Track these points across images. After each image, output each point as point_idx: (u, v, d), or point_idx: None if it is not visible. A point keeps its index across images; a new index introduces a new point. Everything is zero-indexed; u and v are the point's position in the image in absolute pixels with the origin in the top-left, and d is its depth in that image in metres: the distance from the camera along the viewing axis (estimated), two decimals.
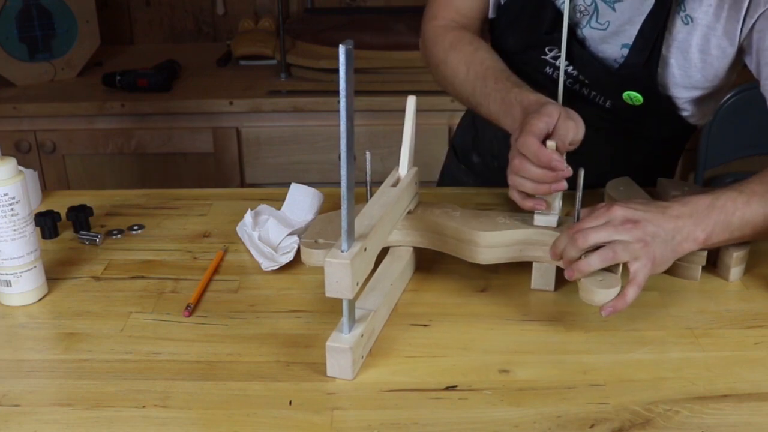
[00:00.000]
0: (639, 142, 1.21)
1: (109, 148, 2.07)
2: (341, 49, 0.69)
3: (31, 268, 0.94)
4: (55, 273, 1.01)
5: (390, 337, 0.88)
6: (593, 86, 1.14)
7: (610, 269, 0.86)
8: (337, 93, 0.73)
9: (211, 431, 0.75)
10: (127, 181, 2.10)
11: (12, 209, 0.91)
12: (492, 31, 1.23)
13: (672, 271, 0.98)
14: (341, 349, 0.80)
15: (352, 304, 0.80)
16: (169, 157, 2.09)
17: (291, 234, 1.04)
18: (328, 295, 0.77)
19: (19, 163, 0.94)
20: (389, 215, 0.88)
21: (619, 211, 0.87)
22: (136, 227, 1.13)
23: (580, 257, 0.86)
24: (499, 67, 1.10)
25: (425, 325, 0.90)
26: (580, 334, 0.89)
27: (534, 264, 0.95)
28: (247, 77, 2.17)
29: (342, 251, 0.77)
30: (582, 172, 0.89)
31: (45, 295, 0.97)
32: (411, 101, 0.94)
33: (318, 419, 0.76)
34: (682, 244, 0.89)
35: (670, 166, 1.31)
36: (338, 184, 0.75)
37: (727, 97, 2.05)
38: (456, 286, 0.98)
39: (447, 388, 0.80)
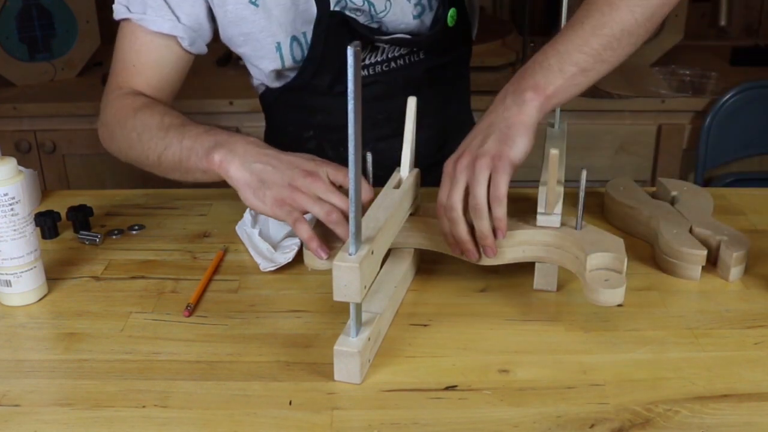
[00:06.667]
0: (440, 86, 1.27)
1: None
2: (349, 51, 0.67)
3: (31, 268, 0.94)
4: (55, 273, 1.01)
5: (390, 337, 0.88)
6: (407, 53, 1.20)
7: (615, 269, 0.87)
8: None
9: (211, 431, 0.75)
10: (127, 181, 2.09)
11: (12, 209, 0.91)
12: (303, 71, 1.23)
13: (672, 271, 0.98)
14: (349, 353, 0.79)
15: (359, 307, 0.80)
16: None
17: (292, 234, 1.04)
18: (336, 299, 0.77)
19: (19, 163, 0.94)
20: (393, 217, 0.88)
21: (464, 161, 0.89)
22: (136, 227, 1.13)
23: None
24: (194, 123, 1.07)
25: (425, 325, 0.90)
26: (580, 334, 0.89)
27: (536, 264, 0.95)
28: (247, 77, 2.17)
29: (350, 254, 0.77)
30: (585, 173, 0.89)
31: (45, 295, 0.97)
32: (411, 102, 0.94)
33: (318, 419, 0.76)
34: (524, 106, 0.89)
35: (467, 101, 1.38)
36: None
37: (727, 97, 2.05)
38: (456, 286, 0.98)
39: (447, 388, 0.80)
